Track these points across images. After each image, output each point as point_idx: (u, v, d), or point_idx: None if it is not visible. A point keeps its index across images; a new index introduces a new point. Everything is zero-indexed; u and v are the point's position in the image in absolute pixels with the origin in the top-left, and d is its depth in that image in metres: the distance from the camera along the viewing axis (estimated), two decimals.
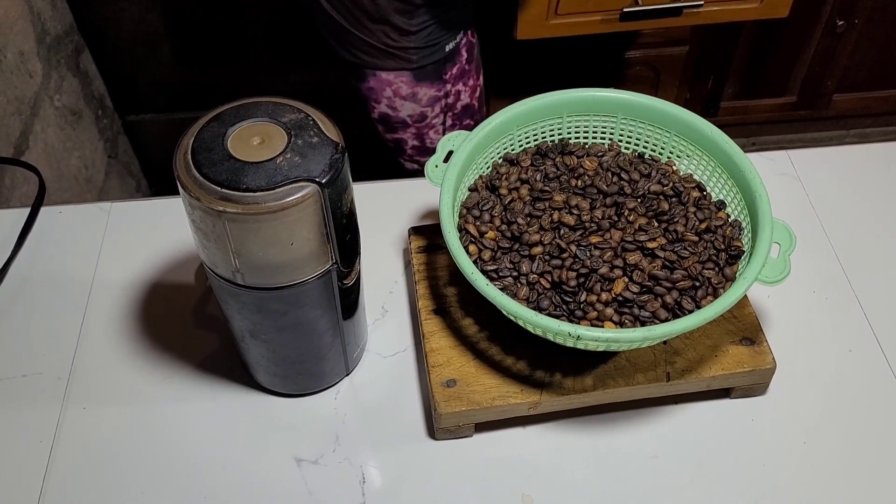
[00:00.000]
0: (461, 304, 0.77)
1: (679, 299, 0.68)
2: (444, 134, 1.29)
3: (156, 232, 0.88)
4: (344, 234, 0.64)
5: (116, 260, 0.86)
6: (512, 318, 0.65)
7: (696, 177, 0.78)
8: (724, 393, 0.75)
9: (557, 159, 0.78)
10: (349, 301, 0.70)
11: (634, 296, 0.68)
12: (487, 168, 0.79)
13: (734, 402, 0.75)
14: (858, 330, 0.80)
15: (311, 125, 0.61)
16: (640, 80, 1.93)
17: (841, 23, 1.94)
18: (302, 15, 1.71)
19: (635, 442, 0.73)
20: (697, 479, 0.71)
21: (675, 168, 0.79)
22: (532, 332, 0.67)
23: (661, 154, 0.80)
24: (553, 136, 0.81)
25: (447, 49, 1.22)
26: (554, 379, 0.71)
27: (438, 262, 0.80)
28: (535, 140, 0.81)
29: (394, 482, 0.71)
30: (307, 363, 0.73)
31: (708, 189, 0.77)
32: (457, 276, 0.78)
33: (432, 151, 1.26)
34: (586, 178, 0.76)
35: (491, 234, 0.72)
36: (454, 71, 1.25)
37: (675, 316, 0.68)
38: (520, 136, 0.79)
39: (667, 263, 0.69)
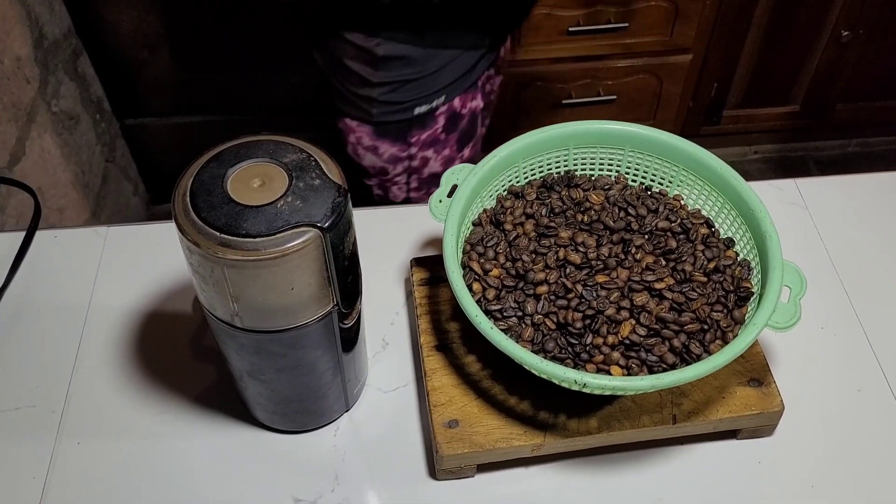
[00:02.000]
0: (464, 341, 0.75)
1: (687, 343, 0.67)
2: (408, 193, 1.23)
3: (153, 257, 0.87)
4: (346, 277, 0.62)
5: (112, 286, 0.84)
6: (517, 362, 0.64)
7: (704, 212, 0.77)
8: (730, 434, 0.74)
9: (563, 193, 0.76)
10: (350, 340, 0.69)
11: (641, 339, 0.66)
12: (492, 201, 0.77)
13: (741, 444, 0.74)
14: (867, 368, 0.79)
15: (314, 166, 0.60)
16: (643, 89, 1.91)
17: (846, 33, 1.92)
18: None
19: (640, 484, 0.72)
20: None
21: (682, 203, 0.77)
22: (537, 375, 0.65)
23: (668, 188, 0.79)
24: (559, 167, 0.79)
25: (415, 112, 1.12)
26: (558, 420, 0.70)
27: (441, 295, 0.79)
28: (540, 172, 0.79)
29: None
30: (307, 401, 0.71)
31: (716, 225, 0.76)
32: (459, 311, 0.76)
33: (396, 201, 1.24)
34: (592, 212, 0.75)
35: (495, 271, 0.71)
36: (423, 136, 1.15)
37: (683, 360, 0.66)
38: (525, 168, 0.78)
39: (674, 305, 0.68)
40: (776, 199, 0.92)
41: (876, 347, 0.80)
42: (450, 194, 0.74)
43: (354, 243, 0.63)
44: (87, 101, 1.80)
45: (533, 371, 0.64)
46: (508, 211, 0.75)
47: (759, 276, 0.70)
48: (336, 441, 0.74)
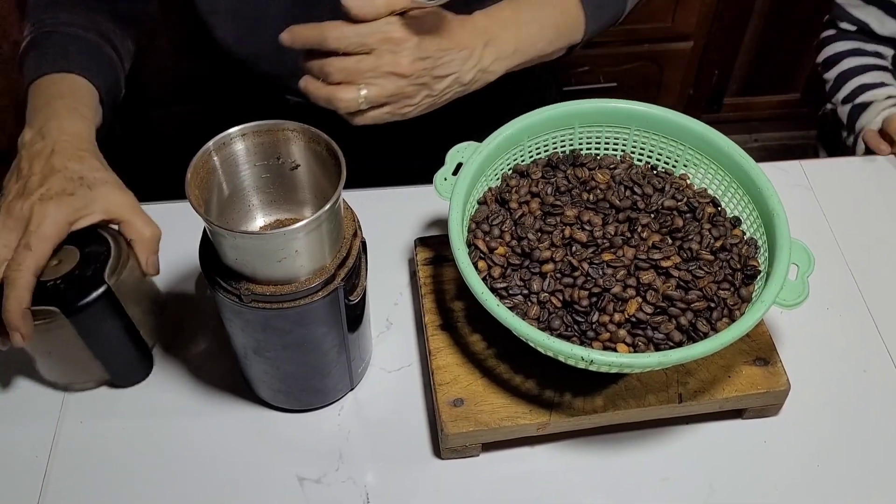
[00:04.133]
0: (468, 320, 0.75)
1: (694, 321, 0.66)
2: None
3: None
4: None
5: None
6: (523, 339, 0.63)
7: (710, 191, 0.77)
8: (736, 413, 0.74)
9: (569, 171, 0.76)
10: (355, 318, 0.69)
11: (648, 317, 0.66)
12: (497, 180, 0.77)
13: (746, 423, 0.74)
14: (873, 349, 0.78)
15: None
16: (644, 76, 1.90)
17: None
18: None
19: (646, 463, 0.72)
20: (710, 501, 0.69)
21: (689, 182, 0.77)
22: (543, 353, 0.65)
23: (674, 167, 0.78)
24: (564, 146, 0.79)
25: None
26: (564, 399, 0.70)
27: (445, 274, 0.78)
28: (545, 151, 0.79)
29: (399, 500, 0.69)
30: (311, 380, 0.71)
31: (723, 204, 0.76)
32: (464, 290, 0.76)
33: None
34: (598, 191, 0.74)
35: (501, 249, 0.70)
36: None
37: (690, 338, 0.66)
38: (530, 147, 0.77)
39: (681, 283, 0.68)
40: (781, 181, 0.91)
41: (882, 328, 0.80)
42: (455, 172, 0.74)
43: (359, 229, 0.63)
44: None
45: (539, 349, 0.63)
46: (514, 189, 0.75)
47: (766, 255, 0.69)
48: (340, 420, 0.74)
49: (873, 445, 0.72)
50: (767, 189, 0.70)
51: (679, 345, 0.65)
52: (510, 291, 0.68)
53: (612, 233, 0.71)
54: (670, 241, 0.71)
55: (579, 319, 0.67)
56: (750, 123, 2.22)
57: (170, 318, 0.79)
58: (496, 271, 0.69)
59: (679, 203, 0.74)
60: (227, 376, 0.76)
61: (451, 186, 0.71)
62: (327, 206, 0.57)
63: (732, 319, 0.67)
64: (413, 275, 0.83)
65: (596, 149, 0.79)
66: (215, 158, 0.62)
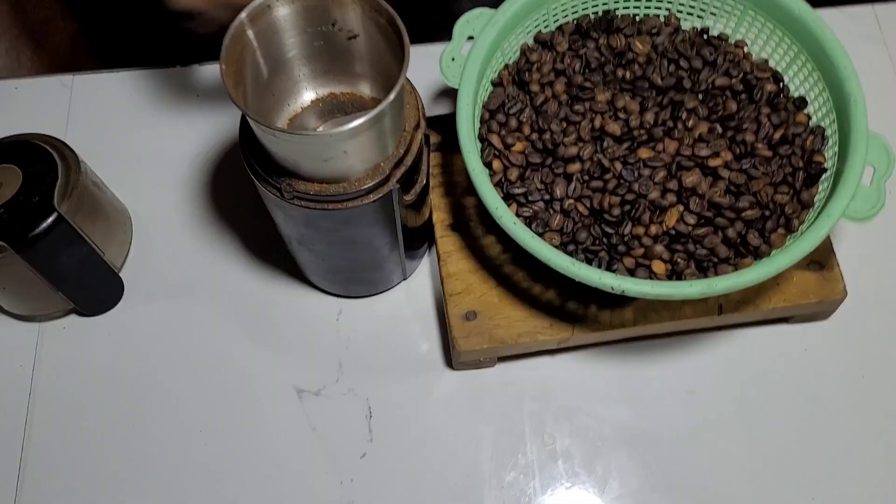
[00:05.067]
0: (482, 218, 0.66)
1: (744, 232, 0.57)
2: None
3: (129, 111, 0.77)
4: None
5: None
6: (545, 263, 0.55)
7: (772, 63, 0.65)
8: (780, 319, 0.67)
9: (601, 40, 0.64)
10: (412, 214, 0.61)
11: (690, 228, 0.57)
12: (515, 54, 0.65)
13: (788, 329, 0.67)
14: None
15: None
16: None
17: None
18: None
19: (673, 375, 0.66)
20: (739, 413, 0.64)
21: (746, 51, 0.65)
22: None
23: (729, 30, 0.66)
24: (597, 6, 0.66)
25: None
26: (588, 312, 0.63)
27: (456, 162, 0.69)
28: (574, 14, 0.66)
29: (404, 415, 0.65)
30: (360, 272, 0.65)
31: (786, 80, 0.64)
32: None
33: None
34: (636, 66, 0.63)
35: (519, 145, 0.61)
36: None
37: (738, 253, 0.58)
38: (555, 10, 0.65)
39: (732, 187, 0.58)
40: (850, 31, 0.78)
41: None
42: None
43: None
44: None
45: (566, 274, 0.55)
46: (535, 67, 0.64)
47: (836, 149, 0.59)
48: (339, 326, 0.68)
49: None
50: (845, 67, 0.59)
51: (725, 261, 0.57)
52: (530, 197, 0.59)
53: (652, 122, 0.60)
54: (720, 131, 0.60)
55: (609, 231, 0.58)
56: None
57: (145, 223, 0.71)
58: (513, 173, 0.60)
59: (734, 80, 0.62)
60: (213, 282, 0.70)
61: (461, 69, 0.60)
62: (382, 106, 0.48)
63: (789, 230, 0.58)
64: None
65: (636, 7, 0.67)
66: (250, 32, 0.51)
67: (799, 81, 0.63)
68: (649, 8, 0.67)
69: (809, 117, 0.62)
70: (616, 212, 0.58)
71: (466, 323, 0.63)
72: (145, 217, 0.72)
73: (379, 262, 0.63)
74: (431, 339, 0.67)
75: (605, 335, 0.63)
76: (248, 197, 0.69)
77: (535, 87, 0.63)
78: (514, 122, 0.61)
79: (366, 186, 0.53)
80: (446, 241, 0.66)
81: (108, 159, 0.73)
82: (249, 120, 0.49)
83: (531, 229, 0.57)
